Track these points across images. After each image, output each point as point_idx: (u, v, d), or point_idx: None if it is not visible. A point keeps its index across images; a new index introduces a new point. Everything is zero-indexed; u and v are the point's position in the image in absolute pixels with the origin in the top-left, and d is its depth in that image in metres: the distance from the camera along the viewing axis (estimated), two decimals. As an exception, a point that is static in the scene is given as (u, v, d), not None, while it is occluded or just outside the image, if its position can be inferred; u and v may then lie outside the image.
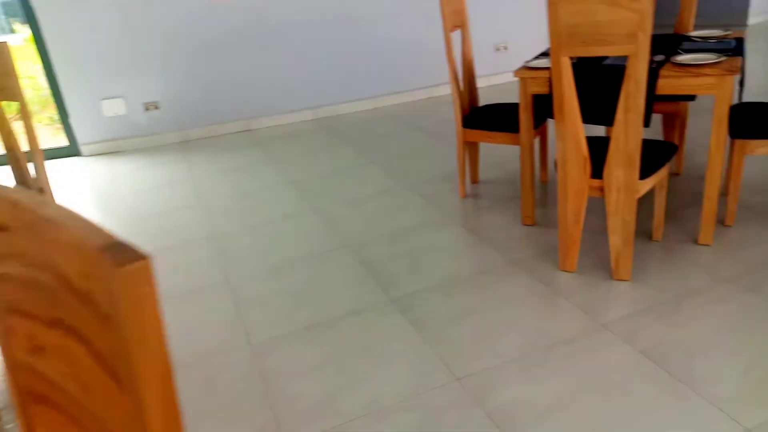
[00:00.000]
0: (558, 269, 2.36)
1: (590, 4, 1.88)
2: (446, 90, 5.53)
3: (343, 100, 5.24)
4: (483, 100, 5.00)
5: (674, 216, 2.67)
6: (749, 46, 5.95)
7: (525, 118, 2.58)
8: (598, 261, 2.38)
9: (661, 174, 2.26)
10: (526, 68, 2.52)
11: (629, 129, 1.99)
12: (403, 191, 3.32)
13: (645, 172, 2.13)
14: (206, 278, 2.58)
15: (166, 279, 2.62)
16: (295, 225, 3.04)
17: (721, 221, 2.56)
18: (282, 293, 2.42)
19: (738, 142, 2.38)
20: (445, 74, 5.46)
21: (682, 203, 2.79)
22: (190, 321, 2.28)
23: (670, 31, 3.30)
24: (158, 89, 4.69)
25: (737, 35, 2.68)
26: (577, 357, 1.86)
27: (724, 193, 2.77)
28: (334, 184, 3.55)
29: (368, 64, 5.21)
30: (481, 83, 5.62)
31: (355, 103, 5.28)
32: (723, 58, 2.23)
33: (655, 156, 2.22)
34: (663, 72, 2.23)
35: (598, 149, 2.29)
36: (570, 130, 2.11)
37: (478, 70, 5.54)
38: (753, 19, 7.01)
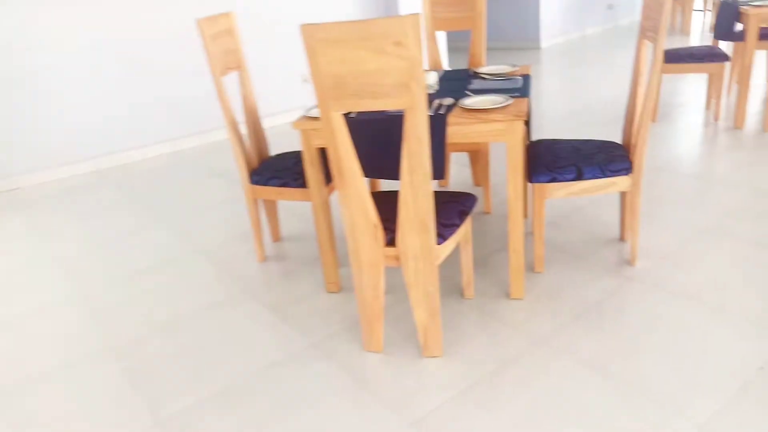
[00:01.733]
0: (363, 349, 2.03)
1: (353, 51, 1.57)
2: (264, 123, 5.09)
3: (134, 145, 4.57)
4: (288, 141, 4.63)
5: (486, 263, 2.49)
6: (542, 68, 6.29)
7: (312, 174, 2.23)
8: (408, 333, 2.09)
9: (462, 231, 2.03)
10: (308, 118, 2.18)
11: (417, 192, 1.72)
12: (192, 259, 2.82)
13: (443, 235, 1.87)
14: None
15: None
16: (50, 322, 2.40)
17: (531, 267, 2.42)
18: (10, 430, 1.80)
19: (537, 186, 2.24)
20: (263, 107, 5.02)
21: (494, 246, 2.63)
22: None
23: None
24: None
25: (524, 71, 2.59)
26: (383, 479, 1.52)
27: (532, 231, 2.65)
28: (110, 256, 2.94)
29: (164, 101, 4.61)
30: (287, 118, 5.26)
31: (150, 148, 4.63)
32: (510, 101, 2.07)
33: (453, 212, 1.98)
34: (452, 119, 2.01)
35: (394, 208, 2.00)
36: (353, 195, 1.79)
37: (283, 104, 5.18)
38: (545, 42, 7.49)
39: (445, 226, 1.89)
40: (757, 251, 2.38)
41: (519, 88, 2.28)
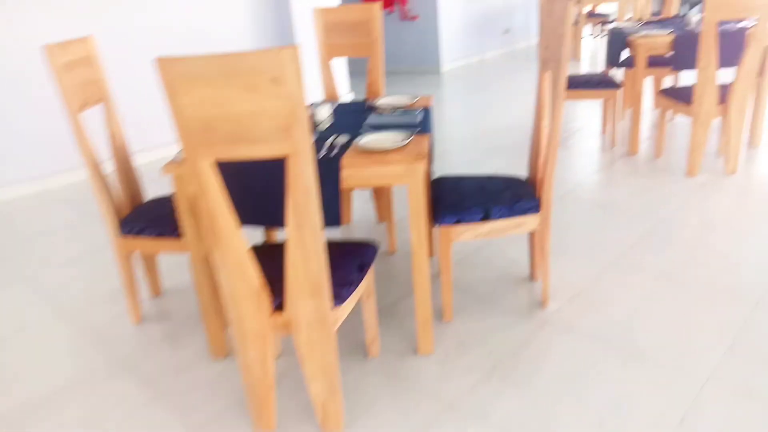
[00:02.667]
0: (253, 430, 1.74)
1: (222, 90, 1.31)
2: (142, 158, 4.65)
3: (-7, 185, 4.01)
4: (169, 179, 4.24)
5: (392, 312, 2.28)
6: (444, 93, 6.28)
7: (189, 224, 1.93)
8: (307, 403, 1.83)
9: (363, 286, 1.80)
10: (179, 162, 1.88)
11: (307, 250, 1.47)
12: (51, 326, 2.40)
13: (341, 296, 1.63)
14: None
15: None
16: None
17: (440, 315, 2.24)
18: None
19: (442, 229, 2.06)
20: (142, 138, 4.59)
21: (400, 292, 2.43)
22: None
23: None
24: None
25: (424, 103, 2.43)
26: None
27: (439, 272, 2.48)
28: (-51, 325, 2.46)
29: (26, 133, 4.08)
30: (168, 152, 4.86)
31: (6, 189, 4.07)
32: (410, 139, 1.88)
33: (351, 267, 1.75)
34: (346, 161, 1.79)
35: (282, 264, 1.74)
36: (230, 255, 1.51)
37: (162, 136, 4.77)
38: (445, 66, 7.53)
39: (342, 285, 1.66)
40: (664, 284, 2.33)
41: (419, 123, 2.10)
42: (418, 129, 2.02)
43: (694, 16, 3.79)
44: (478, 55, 8.16)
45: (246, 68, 1.29)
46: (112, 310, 2.49)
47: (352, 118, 2.25)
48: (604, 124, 4.35)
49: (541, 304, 2.27)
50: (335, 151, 1.86)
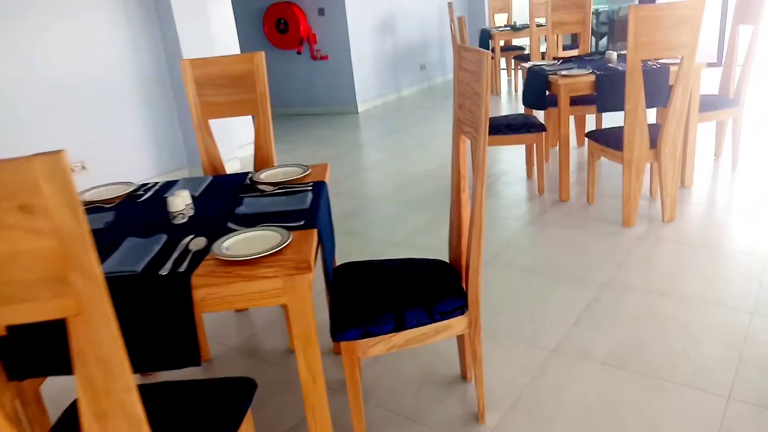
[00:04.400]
0: None
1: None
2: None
3: None
4: None
5: (290, 447, 1.77)
6: (361, 136, 5.88)
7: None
8: None
9: (233, 451, 1.29)
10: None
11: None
12: None
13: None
14: None
15: None
16: None
17: (350, 448, 1.75)
18: None
19: (345, 346, 1.59)
20: None
21: (301, 410, 1.93)
22: None
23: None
24: None
25: (318, 176, 1.96)
26: None
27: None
28: None
29: None
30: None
31: None
32: (288, 241, 1.40)
33: (222, 419, 1.24)
34: (199, 278, 1.29)
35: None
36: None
37: None
38: (362, 106, 7.18)
39: (193, 470, 1.14)
40: (618, 375, 1.95)
41: (306, 210, 1.63)
42: (304, 220, 1.54)
43: (613, 53, 3.57)
44: (395, 92, 7.87)
45: (-22, 188, 0.79)
46: None
47: (223, 203, 1.75)
48: (530, 167, 4.06)
49: (478, 418, 1.83)
50: (186, 262, 1.36)
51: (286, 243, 1.38)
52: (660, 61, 3.34)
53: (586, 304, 2.41)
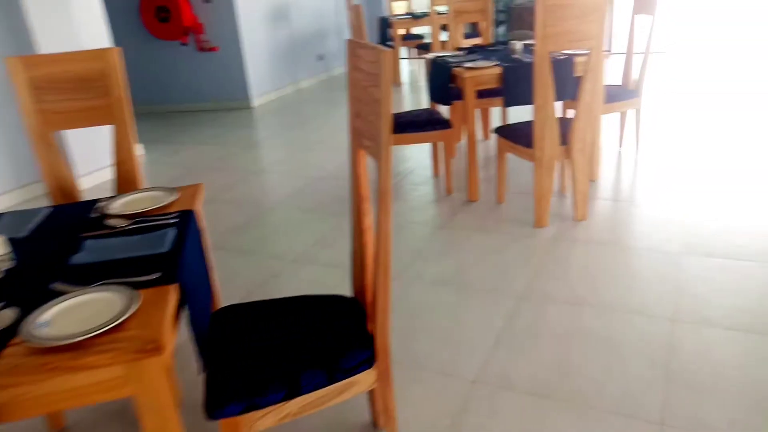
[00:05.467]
0: None
1: None
2: None
3: None
4: None
5: None
6: (256, 134, 5.44)
7: None
8: None
9: None
10: None
11: None
12: None
13: None
14: None
15: None
16: None
17: None
18: None
19: (225, 423, 1.25)
20: None
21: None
22: None
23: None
24: None
25: (186, 203, 1.58)
26: None
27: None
28: None
29: None
30: None
31: None
32: (133, 306, 1.05)
33: None
34: (3, 369, 0.91)
35: None
36: None
37: None
38: (257, 100, 6.71)
39: None
40: (544, 406, 1.75)
41: (165, 254, 1.27)
42: (159, 275, 1.18)
43: (517, 44, 3.41)
44: (293, 84, 7.45)
45: None
46: None
47: (57, 248, 1.35)
48: (436, 166, 3.85)
49: (393, 479, 1.56)
50: (-17, 350, 0.97)
51: (129, 312, 1.02)
52: (565, 51, 3.21)
53: (504, 321, 2.21)
